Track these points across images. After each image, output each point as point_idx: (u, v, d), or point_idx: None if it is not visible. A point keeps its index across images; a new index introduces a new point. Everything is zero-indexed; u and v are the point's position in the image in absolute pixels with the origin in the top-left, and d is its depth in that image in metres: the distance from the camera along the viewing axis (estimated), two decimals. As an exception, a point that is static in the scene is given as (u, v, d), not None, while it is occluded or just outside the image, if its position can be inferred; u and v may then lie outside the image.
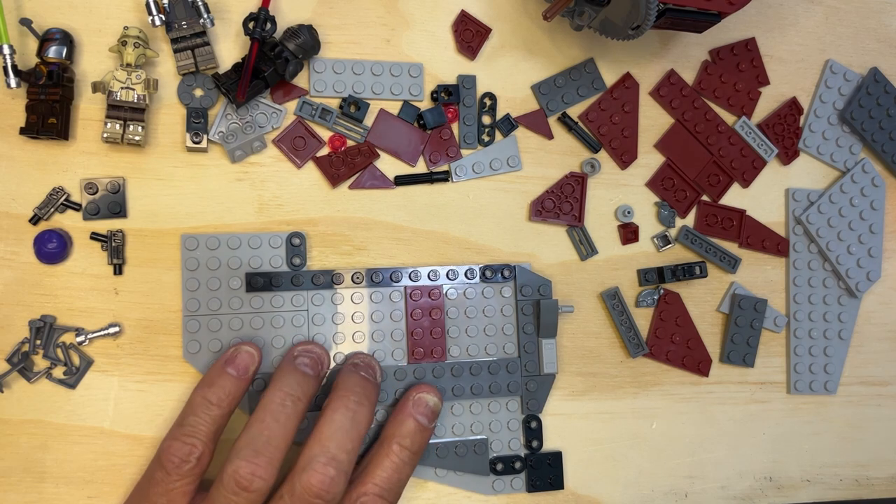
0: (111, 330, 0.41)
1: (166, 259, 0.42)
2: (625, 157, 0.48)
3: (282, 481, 0.38)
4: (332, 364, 0.43)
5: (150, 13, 0.41)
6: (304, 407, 0.39)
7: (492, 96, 0.46)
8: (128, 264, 0.42)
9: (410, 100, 0.46)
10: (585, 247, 0.47)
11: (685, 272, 0.48)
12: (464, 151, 0.46)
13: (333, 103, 0.45)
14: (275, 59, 0.41)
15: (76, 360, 0.41)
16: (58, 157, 0.42)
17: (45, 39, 0.40)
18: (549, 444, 0.46)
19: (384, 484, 0.39)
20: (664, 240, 0.48)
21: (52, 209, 0.41)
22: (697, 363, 0.48)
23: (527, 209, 0.47)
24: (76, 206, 0.42)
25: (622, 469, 0.47)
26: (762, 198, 0.50)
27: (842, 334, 0.51)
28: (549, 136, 0.47)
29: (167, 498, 0.37)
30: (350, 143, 0.45)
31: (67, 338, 0.41)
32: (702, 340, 0.49)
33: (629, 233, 0.48)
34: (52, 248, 0.41)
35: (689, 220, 0.49)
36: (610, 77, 0.48)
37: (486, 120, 0.47)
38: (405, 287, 0.44)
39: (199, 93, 0.43)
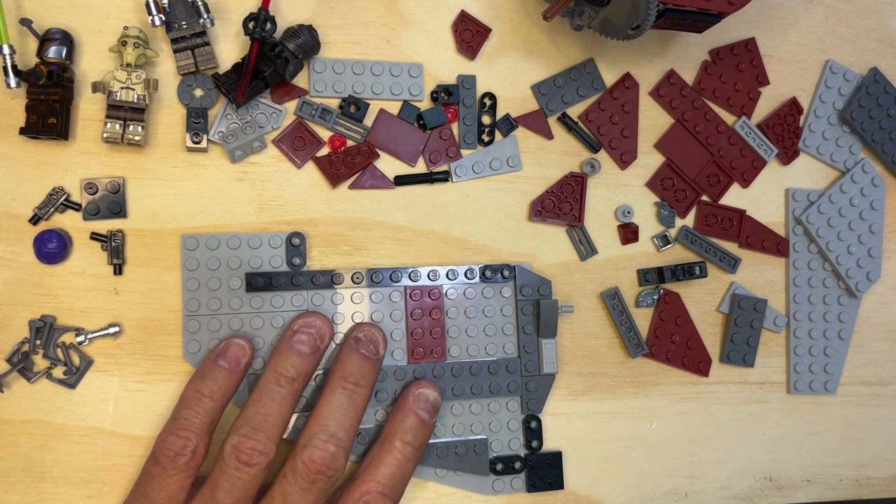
0: (111, 330, 0.41)
1: (166, 259, 0.42)
2: (625, 157, 0.48)
3: (282, 463, 0.38)
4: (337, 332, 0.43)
5: (150, 13, 0.40)
6: (299, 386, 0.39)
7: (492, 96, 0.46)
8: (128, 264, 0.42)
9: (410, 100, 0.46)
10: (585, 247, 0.47)
11: (685, 272, 0.48)
12: (464, 151, 0.46)
13: (333, 103, 0.45)
14: (275, 59, 0.41)
15: (76, 360, 0.41)
16: (58, 157, 0.42)
17: (45, 39, 0.40)
18: (549, 444, 0.46)
19: (387, 481, 0.39)
20: (664, 240, 0.48)
21: (52, 209, 0.41)
22: (697, 363, 0.48)
23: (527, 209, 0.47)
24: (76, 206, 0.42)
25: (622, 469, 0.47)
26: (762, 198, 0.50)
27: (842, 334, 0.51)
28: (549, 136, 0.47)
29: (165, 493, 0.37)
30: (350, 143, 0.45)
31: (67, 338, 0.41)
32: (702, 340, 0.49)
33: (629, 233, 0.48)
34: (52, 248, 0.41)
35: (689, 220, 0.49)
36: (610, 77, 0.48)
37: (486, 120, 0.47)
38: (405, 287, 0.44)
39: (199, 93, 0.43)
